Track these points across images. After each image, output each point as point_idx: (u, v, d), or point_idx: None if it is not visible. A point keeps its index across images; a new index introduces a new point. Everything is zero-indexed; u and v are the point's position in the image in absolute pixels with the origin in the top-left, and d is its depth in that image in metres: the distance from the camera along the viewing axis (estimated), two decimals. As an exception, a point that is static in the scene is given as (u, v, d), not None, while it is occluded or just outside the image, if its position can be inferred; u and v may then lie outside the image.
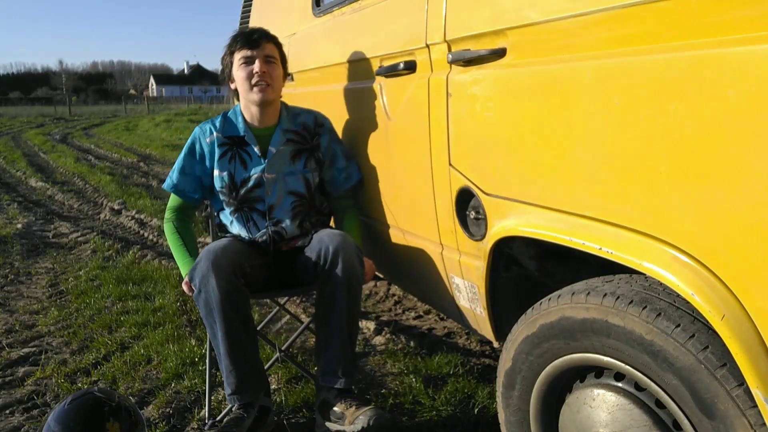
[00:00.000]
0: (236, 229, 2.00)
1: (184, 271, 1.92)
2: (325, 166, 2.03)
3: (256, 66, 1.88)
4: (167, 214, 2.02)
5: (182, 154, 2.01)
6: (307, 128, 2.02)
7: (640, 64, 0.94)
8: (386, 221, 1.92)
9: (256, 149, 1.96)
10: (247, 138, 1.96)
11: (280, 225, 1.97)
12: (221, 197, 2.00)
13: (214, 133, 1.97)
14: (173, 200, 2.03)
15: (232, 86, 1.98)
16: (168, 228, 2.02)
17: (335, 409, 1.83)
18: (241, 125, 1.98)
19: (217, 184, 1.97)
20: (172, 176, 2.01)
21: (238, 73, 1.91)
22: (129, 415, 1.51)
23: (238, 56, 1.91)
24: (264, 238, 1.97)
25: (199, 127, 2.01)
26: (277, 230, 1.97)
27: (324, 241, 1.83)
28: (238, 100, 2.00)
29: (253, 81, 1.88)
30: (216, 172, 1.96)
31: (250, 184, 1.96)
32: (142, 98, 64.45)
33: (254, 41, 1.90)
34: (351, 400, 1.83)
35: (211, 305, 1.74)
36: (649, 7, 0.93)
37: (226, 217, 2.01)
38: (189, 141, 2.00)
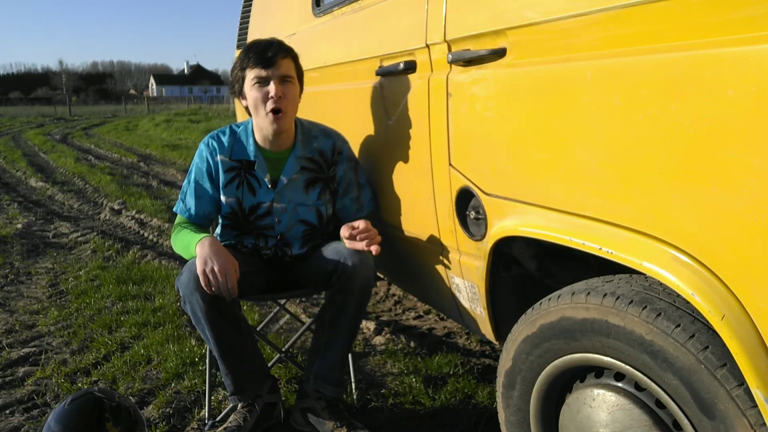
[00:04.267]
0: (240, 239, 1.95)
1: (191, 246, 1.72)
2: (339, 195, 1.94)
3: (271, 90, 1.73)
4: (175, 227, 1.86)
5: (192, 176, 1.88)
6: (324, 156, 1.90)
7: (640, 64, 0.94)
8: (386, 221, 1.92)
9: (266, 178, 1.85)
10: (257, 165, 1.85)
11: (289, 248, 1.95)
12: (226, 221, 1.91)
13: (219, 156, 1.84)
14: (181, 219, 1.89)
15: (243, 103, 1.83)
16: (176, 232, 1.84)
17: (326, 426, 1.84)
18: (251, 148, 1.85)
19: (223, 210, 1.89)
20: (186, 201, 1.88)
21: (251, 92, 1.76)
22: (129, 415, 1.51)
23: (250, 74, 1.75)
24: (269, 252, 1.96)
25: (205, 144, 1.87)
26: (284, 250, 1.95)
27: (343, 253, 1.76)
28: (248, 113, 1.87)
29: (268, 107, 1.74)
30: (222, 198, 1.87)
31: (260, 212, 1.88)
32: (142, 98, 64.48)
33: (269, 60, 1.72)
34: (342, 420, 1.83)
35: (197, 315, 1.71)
36: (649, 7, 0.93)
37: (230, 234, 1.95)
38: (197, 160, 1.88)
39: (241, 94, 1.83)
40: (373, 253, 1.72)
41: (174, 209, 1.93)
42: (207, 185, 1.87)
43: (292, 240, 1.95)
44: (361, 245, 1.73)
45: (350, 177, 1.93)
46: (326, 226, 1.97)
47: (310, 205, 1.91)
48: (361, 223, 1.75)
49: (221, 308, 1.72)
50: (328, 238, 1.97)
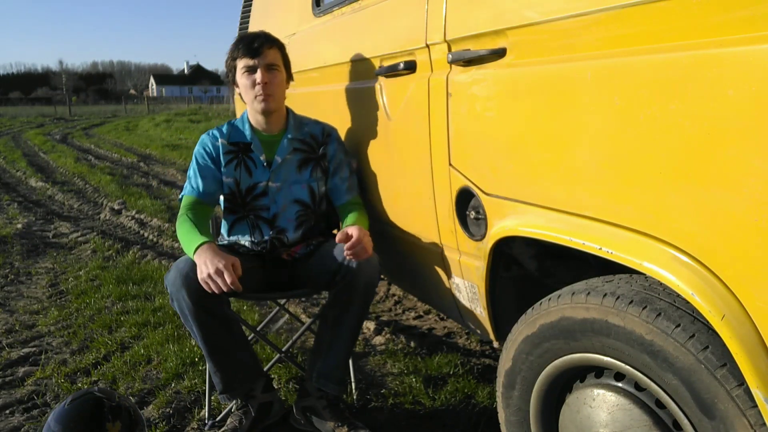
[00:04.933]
0: (237, 234, 1.98)
1: (190, 249, 1.73)
2: (329, 174, 2.01)
3: (258, 76, 1.86)
4: (181, 212, 1.87)
5: (194, 161, 1.95)
6: (315, 138, 2.00)
7: (640, 64, 0.94)
8: (386, 221, 1.92)
9: (261, 158, 1.94)
10: (253, 145, 1.94)
11: (284, 234, 1.97)
12: (226, 203, 1.98)
13: (220, 140, 1.95)
14: (188, 200, 1.91)
15: (237, 91, 1.97)
16: (181, 221, 1.84)
17: (327, 425, 1.83)
18: (248, 131, 1.95)
19: (223, 190, 1.95)
20: (193, 182, 1.92)
21: (241, 80, 1.90)
22: (129, 415, 1.51)
23: (240, 64, 1.89)
24: (265, 245, 1.97)
25: (206, 134, 1.99)
26: (279, 237, 1.97)
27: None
28: (243, 100, 1.97)
29: (256, 91, 1.87)
30: (222, 178, 1.94)
31: (256, 192, 1.95)
32: (142, 98, 64.54)
33: (255, 49, 1.86)
34: (343, 420, 1.83)
35: (185, 312, 1.72)
36: (649, 7, 0.93)
37: (226, 223, 2.00)
38: (198, 147, 1.96)
39: (234, 82, 1.96)
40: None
41: (181, 195, 1.96)
42: (210, 165, 1.95)
43: (286, 223, 1.97)
44: (349, 255, 1.71)
45: (340, 157, 2.00)
46: (318, 204, 2.01)
47: (303, 182, 1.98)
48: (354, 232, 1.71)
49: (208, 306, 1.73)
50: (323, 234, 2.00)
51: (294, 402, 1.96)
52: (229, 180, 1.94)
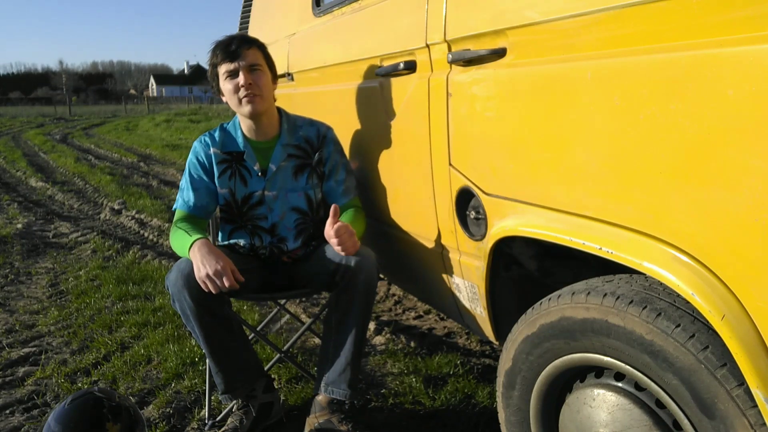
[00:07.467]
0: (236, 239, 1.97)
1: (184, 250, 1.75)
2: (324, 177, 1.97)
3: (241, 78, 1.81)
4: (173, 225, 1.88)
5: (186, 172, 1.93)
6: (310, 142, 1.95)
7: (640, 64, 0.94)
8: (386, 221, 1.92)
9: (255, 167, 1.91)
10: (246, 154, 1.91)
11: (284, 243, 1.96)
12: (222, 214, 1.96)
13: (212, 149, 1.91)
14: (179, 215, 1.91)
15: (223, 99, 1.91)
16: (173, 230, 1.85)
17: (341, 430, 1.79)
18: (240, 139, 1.92)
19: (219, 201, 1.94)
20: (184, 195, 1.92)
21: (225, 86, 1.85)
22: (129, 415, 1.51)
23: (221, 70, 1.84)
24: (265, 252, 1.97)
25: (198, 141, 1.95)
26: (279, 246, 1.97)
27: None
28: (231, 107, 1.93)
29: (240, 94, 1.82)
30: (217, 190, 1.93)
31: (252, 201, 1.93)
32: (142, 98, 64.58)
33: (233, 52, 1.81)
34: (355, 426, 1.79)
35: (186, 313, 1.72)
36: (649, 7, 0.93)
37: (225, 229, 1.99)
38: (191, 156, 1.94)
39: (219, 92, 1.91)
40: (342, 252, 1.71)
41: (174, 207, 1.96)
42: (203, 176, 1.92)
43: (286, 232, 1.96)
44: (334, 243, 1.71)
45: (336, 159, 1.97)
46: (316, 211, 1.99)
47: (299, 190, 1.95)
48: (339, 224, 1.69)
49: (210, 306, 1.72)
50: (322, 237, 1.96)
51: (306, 423, 1.85)
52: (224, 191, 1.92)
